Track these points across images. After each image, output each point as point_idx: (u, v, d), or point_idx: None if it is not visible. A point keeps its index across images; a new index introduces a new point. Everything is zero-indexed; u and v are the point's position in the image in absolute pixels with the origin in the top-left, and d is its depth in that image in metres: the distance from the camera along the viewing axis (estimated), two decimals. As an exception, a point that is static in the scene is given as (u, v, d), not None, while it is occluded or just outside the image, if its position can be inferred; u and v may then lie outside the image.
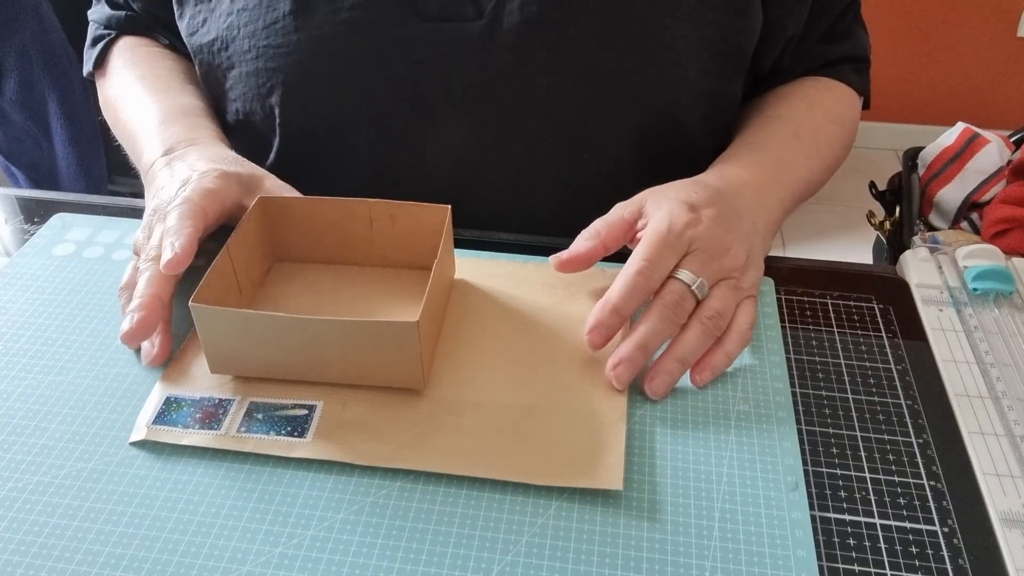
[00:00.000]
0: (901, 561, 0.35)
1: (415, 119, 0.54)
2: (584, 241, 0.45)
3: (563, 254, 0.45)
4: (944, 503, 0.38)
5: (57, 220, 0.56)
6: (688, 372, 0.43)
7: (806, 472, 0.39)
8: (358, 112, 0.54)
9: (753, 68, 0.60)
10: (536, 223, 0.56)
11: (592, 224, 0.46)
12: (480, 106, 0.53)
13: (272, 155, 0.57)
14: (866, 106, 0.65)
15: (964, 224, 1.21)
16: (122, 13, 0.63)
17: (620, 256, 0.46)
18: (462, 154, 0.55)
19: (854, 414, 0.42)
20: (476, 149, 0.55)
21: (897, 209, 1.28)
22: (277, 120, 0.55)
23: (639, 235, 0.45)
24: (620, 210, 0.46)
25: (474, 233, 0.55)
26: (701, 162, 0.60)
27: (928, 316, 0.48)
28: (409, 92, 0.53)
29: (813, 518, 0.37)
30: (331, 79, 0.53)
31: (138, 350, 0.45)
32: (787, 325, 0.48)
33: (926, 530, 0.37)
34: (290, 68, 0.52)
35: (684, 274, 0.42)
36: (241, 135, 0.58)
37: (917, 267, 0.51)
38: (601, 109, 0.53)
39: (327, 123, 0.55)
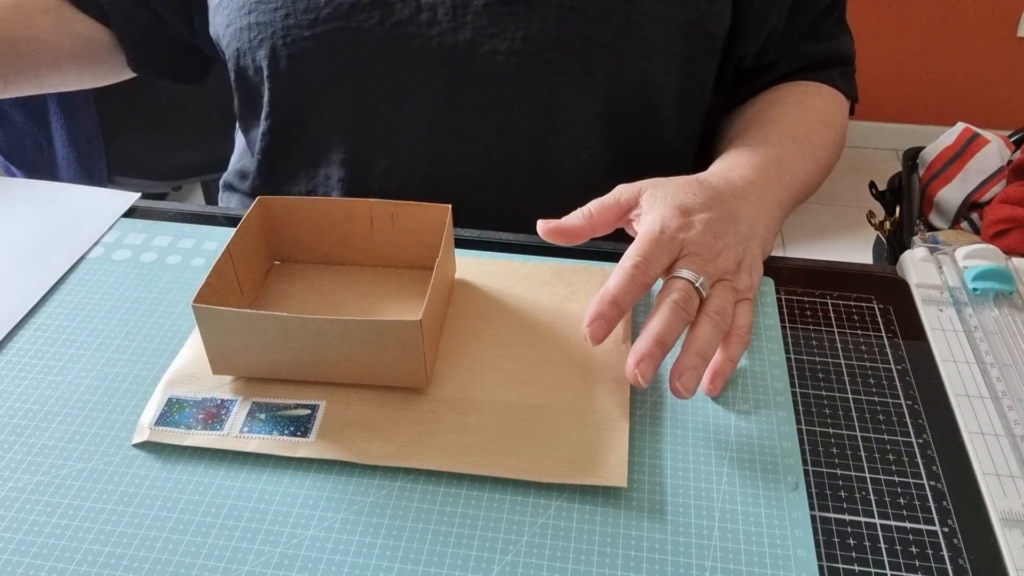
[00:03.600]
0: (901, 561, 0.35)
1: (392, 79, 0.55)
2: (574, 218, 0.46)
3: (551, 222, 0.46)
4: (944, 503, 0.38)
5: (57, 220, 0.56)
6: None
7: (806, 472, 0.39)
8: (339, 66, 0.55)
9: (736, 60, 0.61)
10: (514, 201, 0.57)
11: (588, 203, 0.47)
12: (454, 68, 0.55)
13: (264, 107, 0.60)
14: (852, 111, 0.66)
15: (964, 224, 1.21)
16: None
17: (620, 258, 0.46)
18: (438, 114, 0.56)
19: (854, 414, 0.42)
20: (451, 110, 0.56)
21: (897, 209, 1.28)
22: (266, 72, 0.57)
23: (633, 223, 0.46)
24: (617, 194, 0.47)
25: (474, 233, 0.55)
26: (672, 148, 0.61)
27: (928, 316, 0.48)
28: (387, 49, 0.55)
29: (813, 518, 0.37)
30: (313, 34, 0.55)
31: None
32: (787, 325, 0.48)
33: (926, 530, 0.37)
34: (277, 22, 0.55)
35: (685, 272, 0.42)
36: (241, 91, 0.61)
37: (917, 267, 0.51)
38: (569, 78, 0.55)
39: (310, 77, 0.57)
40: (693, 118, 0.62)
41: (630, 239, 0.45)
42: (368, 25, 0.54)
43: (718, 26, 0.57)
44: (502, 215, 0.56)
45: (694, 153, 0.65)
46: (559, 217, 0.46)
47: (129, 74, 0.71)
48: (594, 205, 0.46)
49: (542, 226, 0.46)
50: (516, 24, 0.53)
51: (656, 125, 0.59)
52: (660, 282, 0.43)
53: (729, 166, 0.52)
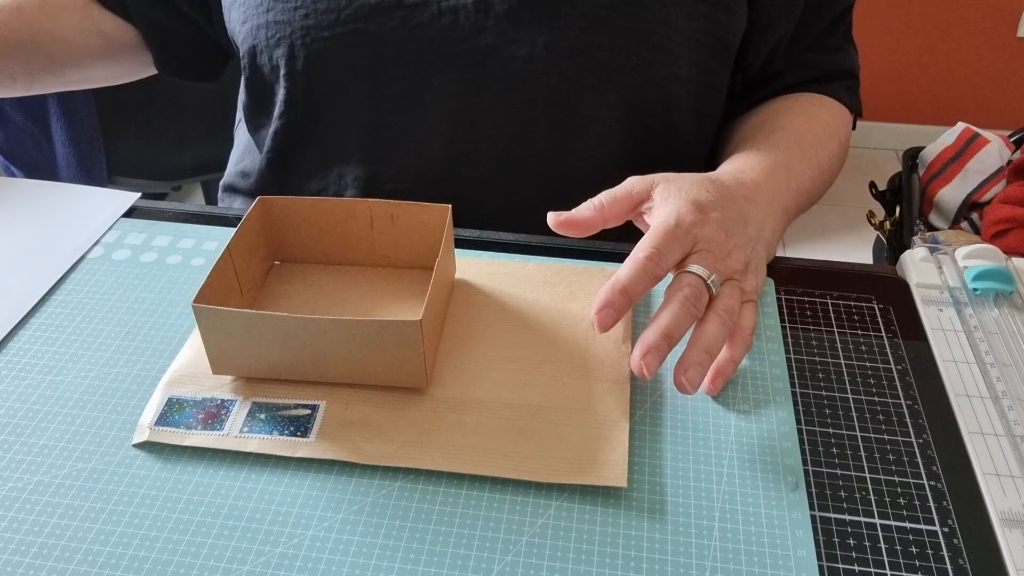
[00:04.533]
0: (901, 561, 0.35)
1: (410, 80, 0.56)
2: (585, 209, 0.45)
3: (562, 214, 0.45)
4: (944, 503, 0.38)
5: (57, 220, 0.56)
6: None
7: (806, 472, 0.39)
8: (357, 66, 0.56)
9: (743, 68, 0.61)
10: (526, 203, 0.57)
11: (599, 194, 0.46)
12: (473, 73, 0.55)
13: (279, 105, 0.60)
14: (854, 125, 0.67)
15: (964, 224, 1.21)
16: None
17: (621, 258, 0.46)
18: (456, 116, 0.56)
19: (854, 414, 0.42)
20: (469, 113, 0.56)
21: (897, 209, 1.28)
22: (283, 71, 0.57)
23: (644, 216, 0.46)
24: (629, 186, 0.46)
25: (474, 233, 0.55)
26: (686, 155, 0.61)
27: (928, 316, 0.48)
28: (406, 51, 0.55)
29: (813, 518, 0.37)
30: (333, 35, 0.55)
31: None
32: (787, 325, 0.48)
33: (926, 530, 0.37)
34: (296, 21, 0.55)
35: (697, 268, 0.42)
36: (253, 88, 0.61)
37: (917, 267, 0.51)
38: (589, 85, 0.55)
39: (327, 76, 0.57)
40: (707, 126, 0.62)
41: (633, 238, 0.44)
42: (389, 27, 0.54)
43: (734, 35, 0.57)
44: (516, 216, 0.56)
45: (705, 161, 0.65)
46: None
47: (149, 72, 0.71)
48: (605, 196, 0.46)
49: (552, 218, 0.45)
50: (538, 31, 0.53)
51: (671, 131, 0.59)
52: (668, 276, 0.43)
53: (740, 167, 0.52)
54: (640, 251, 0.41)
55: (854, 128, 0.67)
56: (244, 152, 0.69)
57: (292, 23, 0.55)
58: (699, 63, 0.56)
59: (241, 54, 0.60)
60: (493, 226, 0.56)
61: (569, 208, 0.46)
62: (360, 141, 0.58)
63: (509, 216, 0.57)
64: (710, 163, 0.65)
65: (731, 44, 0.57)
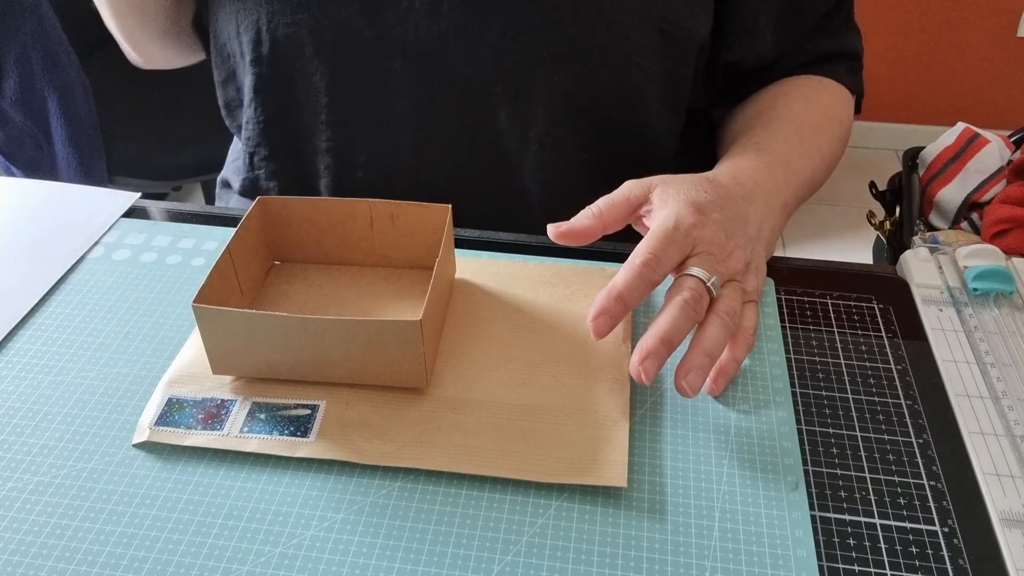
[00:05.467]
0: (901, 561, 0.35)
1: (372, 66, 0.56)
2: (584, 218, 0.46)
3: (561, 225, 0.45)
4: (944, 503, 0.38)
5: (57, 220, 0.56)
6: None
7: (806, 472, 0.39)
8: (319, 54, 0.56)
9: (727, 65, 0.60)
10: (490, 194, 0.57)
11: (597, 201, 0.46)
12: (431, 59, 0.55)
13: (248, 93, 0.60)
14: (857, 108, 0.66)
15: (964, 224, 1.21)
16: None
17: (621, 258, 0.46)
18: (419, 104, 0.56)
19: (854, 414, 0.42)
20: (430, 101, 0.56)
21: (897, 209, 1.28)
22: (249, 58, 0.57)
23: (643, 219, 0.46)
24: (627, 191, 0.46)
25: (474, 233, 0.55)
26: (653, 146, 0.61)
27: (928, 316, 0.48)
28: (366, 38, 0.55)
29: (813, 518, 0.37)
30: (295, 21, 0.55)
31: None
32: (787, 325, 0.48)
33: (926, 530, 0.37)
34: (261, 8, 0.55)
35: (697, 271, 0.42)
36: (229, 79, 0.62)
37: (917, 267, 0.51)
38: (548, 73, 0.55)
39: (293, 63, 0.57)
40: (674, 118, 0.61)
41: (634, 239, 0.44)
42: (347, 13, 0.54)
43: (697, 24, 0.56)
44: (498, 206, 0.56)
45: (675, 154, 0.64)
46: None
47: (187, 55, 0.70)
48: (603, 203, 0.46)
49: (552, 230, 0.45)
50: (493, 18, 0.53)
51: (636, 122, 0.58)
52: (669, 277, 0.43)
53: (737, 166, 0.52)
54: (637, 256, 0.41)
55: (859, 110, 0.66)
56: (239, 149, 0.69)
57: (258, 10, 0.55)
58: (659, 52, 0.55)
59: (212, 43, 0.60)
60: (475, 215, 0.55)
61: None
62: (328, 130, 0.59)
63: (484, 207, 0.56)
64: (679, 158, 0.65)
65: (693, 34, 0.56)
